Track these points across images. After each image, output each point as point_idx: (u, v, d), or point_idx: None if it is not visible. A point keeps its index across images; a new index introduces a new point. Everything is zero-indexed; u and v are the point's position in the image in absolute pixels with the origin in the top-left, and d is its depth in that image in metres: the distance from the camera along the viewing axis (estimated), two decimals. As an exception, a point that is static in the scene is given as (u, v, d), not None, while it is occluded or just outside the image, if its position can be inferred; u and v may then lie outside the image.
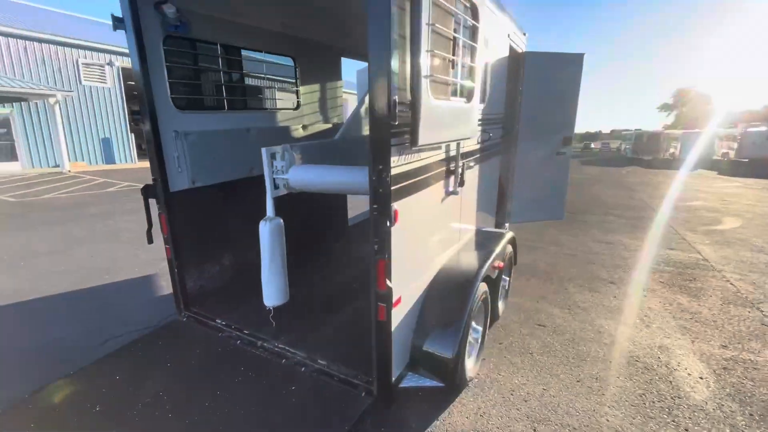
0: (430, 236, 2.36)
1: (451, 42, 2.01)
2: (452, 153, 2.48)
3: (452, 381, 2.21)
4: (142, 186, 2.70)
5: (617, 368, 2.85)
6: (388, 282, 1.86)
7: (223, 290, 3.18)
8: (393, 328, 2.00)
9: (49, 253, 5.33)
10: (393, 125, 1.69)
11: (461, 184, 2.70)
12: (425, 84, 1.74)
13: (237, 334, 2.70)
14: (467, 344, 2.39)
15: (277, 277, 2.55)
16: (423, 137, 1.80)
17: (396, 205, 1.82)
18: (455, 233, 2.82)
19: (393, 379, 2.09)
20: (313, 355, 2.41)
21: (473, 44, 2.23)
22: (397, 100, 1.64)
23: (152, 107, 2.60)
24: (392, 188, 1.78)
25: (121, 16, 2.45)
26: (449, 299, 2.34)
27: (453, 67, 2.07)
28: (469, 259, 2.72)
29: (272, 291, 2.56)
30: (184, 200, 2.86)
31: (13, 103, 13.57)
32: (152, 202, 2.73)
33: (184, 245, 2.90)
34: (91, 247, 5.59)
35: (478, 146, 3.07)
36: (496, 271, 2.91)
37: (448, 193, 2.54)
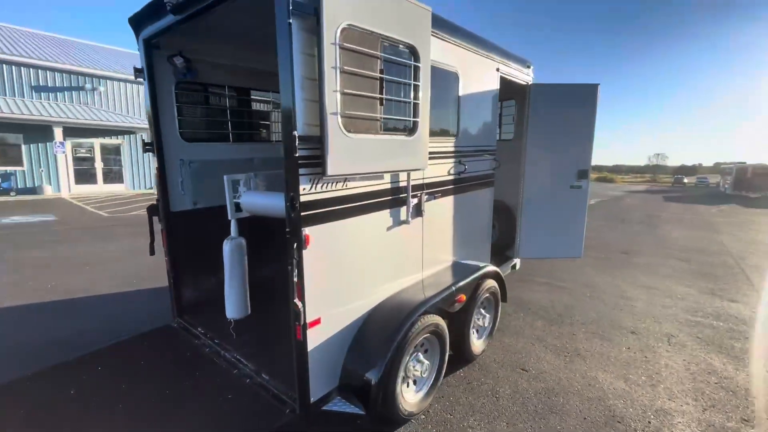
0: (368, 263, 2.41)
1: (378, 82, 2.15)
2: (401, 183, 2.56)
3: (374, 409, 2.18)
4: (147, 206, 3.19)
5: (588, 427, 2.54)
6: (297, 302, 1.97)
7: (212, 302, 3.51)
8: (311, 348, 2.08)
9: (112, 260, 6.29)
10: (301, 157, 1.87)
11: (418, 214, 2.75)
12: (334, 120, 1.89)
13: (209, 343, 2.96)
14: (401, 376, 2.35)
15: (237, 291, 2.79)
16: (333, 168, 1.93)
17: (308, 231, 1.96)
18: (413, 263, 2.82)
19: (312, 399, 2.15)
20: (261, 369, 2.56)
21: (415, 83, 2.34)
22: (297, 135, 1.82)
23: (159, 139, 3.09)
24: (304, 214, 1.93)
25: (140, 67, 3.01)
26: (385, 326, 2.35)
27: (381, 104, 2.20)
28: (422, 290, 2.70)
29: (232, 304, 2.81)
30: (184, 219, 3.29)
31: (124, 136, 16.38)
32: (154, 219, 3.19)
33: (181, 258, 3.30)
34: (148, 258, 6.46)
35: (450, 177, 3.08)
36: (457, 305, 2.82)
37: (398, 223, 2.59)
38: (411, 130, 2.38)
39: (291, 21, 1.74)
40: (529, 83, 4.24)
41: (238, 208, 2.79)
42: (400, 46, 2.24)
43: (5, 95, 14.35)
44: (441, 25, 2.74)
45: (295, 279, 1.96)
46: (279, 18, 1.76)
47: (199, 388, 2.49)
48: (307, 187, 1.94)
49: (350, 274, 2.29)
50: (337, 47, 1.85)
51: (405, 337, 2.31)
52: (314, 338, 2.10)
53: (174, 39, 2.96)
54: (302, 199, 1.91)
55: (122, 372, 2.66)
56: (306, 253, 1.97)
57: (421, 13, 2.32)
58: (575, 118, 4.28)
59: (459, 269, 3.17)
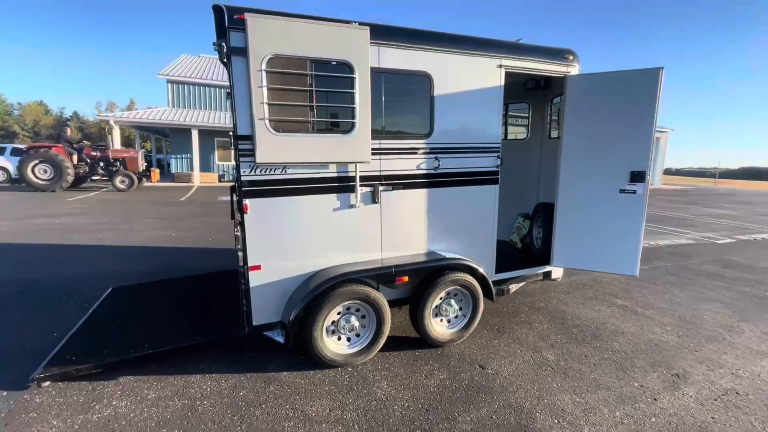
0: (311, 234, 3.06)
1: (307, 93, 2.77)
2: (349, 173, 3.11)
3: (288, 342, 2.84)
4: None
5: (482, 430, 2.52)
6: (238, 247, 2.86)
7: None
8: (253, 285, 2.93)
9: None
10: (242, 149, 2.74)
11: (373, 201, 3.22)
12: (262, 123, 2.66)
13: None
14: (323, 327, 2.94)
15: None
16: (261, 158, 2.70)
17: (247, 201, 2.82)
18: (370, 244, 3.28)
19: (255, 323, 2.99)
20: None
21: (352, 91, 2.84)
22: (235, 133, 2.69)
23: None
24: (244, 189, 2.80)
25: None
26: (311, 283, 2.97)
27: (312, 110, 2.81)
28: (361, 265, 3.15)
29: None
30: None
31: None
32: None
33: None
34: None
35: (420, 172, 3.37)
36: (398, 284, 3.15)
37: (346, 206, 3.14)
38: (349, 130, 2.91)
39: (230, 59, 2.62)
40: (568, 74, 3.87)
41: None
42: (333, 62, 2.81)
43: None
44: (402, 35, 3.11)
45: (238, 234, 2.85)
46: (221, 56, 2.67)
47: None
48: (247, 170, 2.79)
49: (290, 238, 3.00)
50: (263, 72, 2.62)
51: (324, 295, 2.89)
52: (255, 279, 2.94)
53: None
54: (243, 179, 2.78)
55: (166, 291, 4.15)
56: (247, 217, 2.83)
57: (356, 33, 2.82)
58: (628, 111, 3.66)
59: (421, 257, 3.41)
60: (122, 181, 14.90)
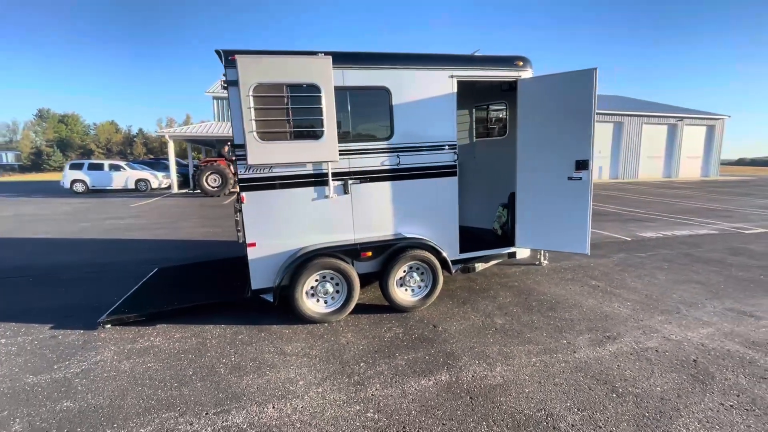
0: (295, 218, 3.91)
1: (285, 109, 3.63)
2: (323, 170, 3.93)
3: (275, 300, 3.71)
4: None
5: (418, 371, 3.22)
6: (238, 228, 3.79)
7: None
8: (251, 258, 3.85)
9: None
10: (238, 155, 3.66)
11: (345, 192, 4.03)
12: (251, 135, 3.56)
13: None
14: (304, 290, 3.79)
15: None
16: (252, 160, 3.60)
17: (244, 194, 3.74)
18: (344, 227, 4.08)
19: (253, 287, 3.90)
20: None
21: (320, 106, 3.66)
22: (232, 142, 3.62)
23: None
24: (241, 185, 3.73)
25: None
26: (293, 257, 3.84)
27: (289, 123, 3.67)
28: (335, 243, 3.96)
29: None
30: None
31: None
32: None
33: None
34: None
35: (384, 167, 4.12)
36: (363, 258, 3.92)
37: (322, 197, 3.97)
38: (319, 136, 3.74)
39: (228, 88, 3.56)
40: (519, 78, 4.42)
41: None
42: (304, 85, 3.66)
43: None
44: (362, 58, 3.90)
45: (238, 218, 3.78)
46: (222, 86, 3.61)
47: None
48: (242, 170, 3.71)
49: (278, 222, 3.88)
50: (251, 96, 3.53)
51: (301, 265, 3.74)
52: (252, 253, 3.85)
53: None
54: (239, 177, 3.71)
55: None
56: (243, 206, 3.75)
57: (321, 61, 3.64)
58: (570, 107, 4.17)
59: (386, 237, 4.15)
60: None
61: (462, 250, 4.66)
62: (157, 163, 23.68)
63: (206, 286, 4.58)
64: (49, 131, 70.34)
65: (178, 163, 20.10)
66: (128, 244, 7.85)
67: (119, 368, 3.08)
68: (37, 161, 63.78)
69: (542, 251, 5.83)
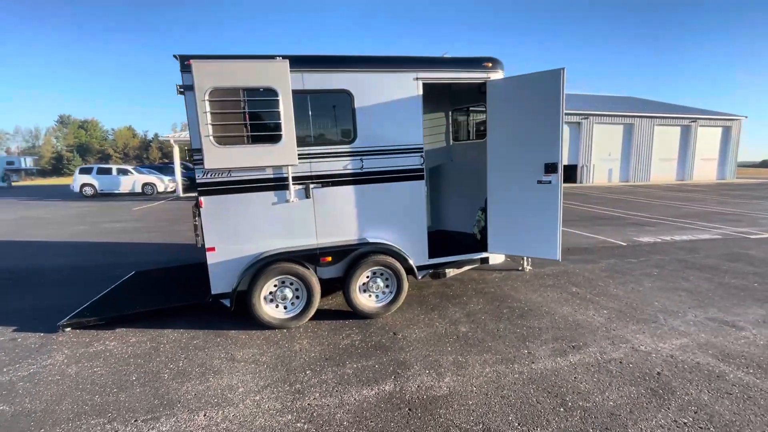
0: (255, 223, 3.87)
1: (241, 114, 3.61)
2: (283, 174, 3.90)
3: (232, 306, 3.69)
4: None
5: (363, 379, 3.14)
6: (197, 233, 3.78)
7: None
8: (210, 263, 3.83)
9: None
10: (196, 159, 3.66)
11: (306, 196, 3.98)
12: (207, 139, 3.55)
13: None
14: (261, 295, 3.75)
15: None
16: (208, 164, 3.59)
17: (202, 198, 3.73)
18: (306, 232, 4.03)
19: (213, 292, 3.88)
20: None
21: (276, 110, 3.63)
22: (191, 147, 3.61)
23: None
24: (199, 189, 3.72)
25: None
26: (253, 262, 3.80)
27: (246, 127, 3.64)
28: (295, 248, 3.91)
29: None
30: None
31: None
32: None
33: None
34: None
35: (346, 171, 4.07)
36: (323, 263, 3.86)
37: (283, 201, 3.93)
38: (277, 140, 3.71)
39: (184, 93, 3.56)
40: (488, 80, 4.32)
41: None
42: (261, 89, 3.64)
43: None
44: (321, 61, 3.86)
45: (197, 223, 3.78)
46: (177, 91, 3.61)
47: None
48: (200, 175, 3.70)
49: (238, 227, 3.85)
50: (206, 101, 3.52)
51: (260, 270, 3.70)
52: (212, 258, 3.83)
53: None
54: (197, 181, 3.70)
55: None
56: (202, 210, 3.74)
57: (278, 65, 3.61)
58: (538, 109, 4.05)
59: (348, 242, 4.08)
60: None
61: (434, 255, 4.56)
62: (167, 167, 24.14)
63: (176, 290, 4.59)
64: (70, 136, 72.72)
65: (185, 167, 20.42)
66: (118, 247, 7.97)
67: (65, 372, 3.09)
68: (57, 166, 65.93)
69: (526, 257, 5.68)
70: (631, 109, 26.64)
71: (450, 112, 5.86)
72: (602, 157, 25.20)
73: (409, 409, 2.64)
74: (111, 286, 4.79)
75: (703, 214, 11.76)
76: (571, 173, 25.29)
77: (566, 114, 24.15)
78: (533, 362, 3.25)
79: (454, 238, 5.66)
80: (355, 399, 2.75)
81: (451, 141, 5.88)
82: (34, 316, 4.21)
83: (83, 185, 19.04)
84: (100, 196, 19.35)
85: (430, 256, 4.50)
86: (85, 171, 19.57)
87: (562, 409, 2.65)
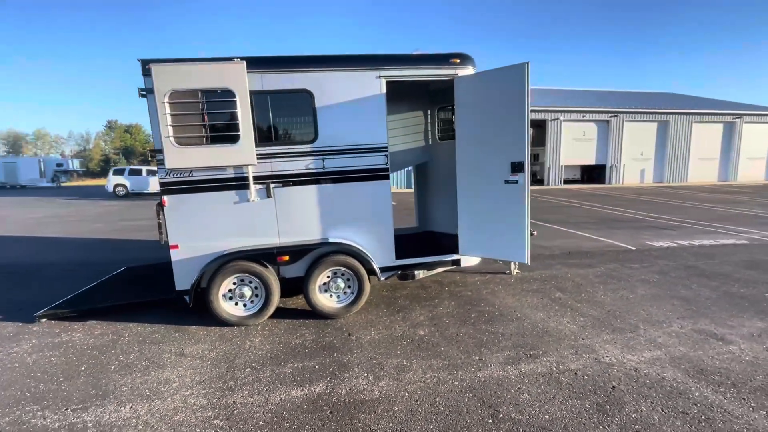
0: (216, 222, 3.94)
1: (200, 115, 3.69)
2: (244, 173, 3.95)
3: (190, 302, 3.77)
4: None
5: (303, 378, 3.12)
6: (161, 231, 3.91)
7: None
8: (174, 260, 3.94)
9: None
10: (158, 159, 3.79)
11: (267, 196, 4.02)
12: (168, 139, 3.65)
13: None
14: (220, 293, 3.82)
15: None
16: (169, 164, 3.69)
17: (165, 197, 3.85)
18: (268, 231, 4.06)
19: (177, 288, 3.99)
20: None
21: (234, 111, 3.68)
22: (152, 147, 3.74)
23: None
24: (161, 188, 3.84)
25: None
26: (211, 260, 3.88)
27: (205, 128, 3.71)
28: (253, 247, 3.94)
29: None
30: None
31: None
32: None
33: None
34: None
35: (308, 171, 4.07)
36: (280, 261, 3.88)
37: (244, 200, 3.99)
38: (236, 140, 3.77)
39: (146, 95, 3.69)
40: (456, 77, 4.18)
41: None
42: (219, 90, 3.71)
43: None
44: (279, 62, 3.88)
45: (161, 221, 3.90)
46: (139, 94, 3.74)
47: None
48: (163, 175, 3.82)
49: (200, 225, 3.94)
50: (166, 103, 3.63)
51: (219, 268, 3.77)
52: (175, 255, 3.94)
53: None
54: (160, 181, 3.82)
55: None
56: (165, 209, 3.86)
57: (235, 67, 3.67)
58: (504, 106, 3.87)
59: (309, 241, 4.07)
60: None
61: (407, 256, 4.47)
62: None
63: (157, 285, 4.76)
64: (116, 140, 77.67)
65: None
66: (125, 244, 8.40)
67: (24, 360, 3.28)
68: (105, 167, 70.72)
69: (494, 259, 5.47)
70: (666, 106, 25.06)
71: (435, 111, 5.73)
72: (634, 157, 23.86)
73: (331, 412, 2.59)
74: (96, 281, 5.04)
75: (735, 217, 10.86)
76: (599, 174, 24.15)
77: (593, 112, 23.11)
78: (480, 370, 3.11)
79: (436, 240, 5.53)
80: (281, 399, 2.74)
81: (438, 140, 5.75)
82: (20, 307, 4.49)
83: (116, 185, 20.23)
84: (131, 195, 20.49)
85: (400, 256, 4.42)
86: (118, 172, 20.80)
87: (490, 421, 2.51)
